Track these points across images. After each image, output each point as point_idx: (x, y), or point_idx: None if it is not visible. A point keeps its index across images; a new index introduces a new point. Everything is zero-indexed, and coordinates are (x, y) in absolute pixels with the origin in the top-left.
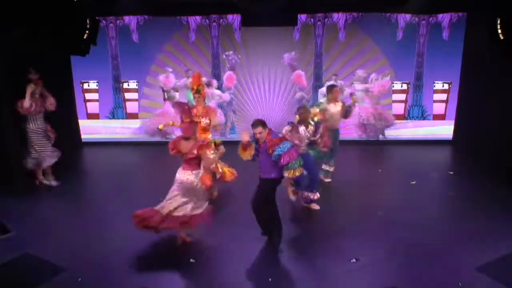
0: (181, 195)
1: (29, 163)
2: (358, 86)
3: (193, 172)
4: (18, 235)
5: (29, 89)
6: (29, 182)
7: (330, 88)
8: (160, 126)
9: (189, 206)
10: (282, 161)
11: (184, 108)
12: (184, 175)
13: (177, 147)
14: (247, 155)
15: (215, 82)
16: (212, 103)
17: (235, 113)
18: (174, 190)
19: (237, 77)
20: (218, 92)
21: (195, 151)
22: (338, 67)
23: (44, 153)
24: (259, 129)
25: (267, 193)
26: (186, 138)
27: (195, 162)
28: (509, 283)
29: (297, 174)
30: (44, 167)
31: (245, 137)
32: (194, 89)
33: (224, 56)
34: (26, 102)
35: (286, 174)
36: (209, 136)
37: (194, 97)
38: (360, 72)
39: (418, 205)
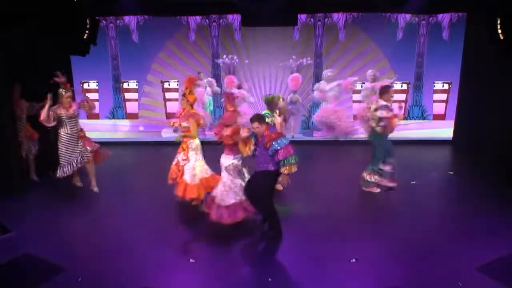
0: (232, 178)
1: (59, 172)
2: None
3: (235, 156)
4: (18, 235)
5: (49, 101)
6: (28, 182)
7: (387, 89)
8: (171, 123)
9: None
10: (279, 156)
11: (229, 98)
12: (227, 160)
13: (220, 133)
14: (247, 150)
15: (245, 85)
16: (243, 106)
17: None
18: (223, 177)
19: (237, 79)
20: (248, 95)
21: (231, 141)
22: (338, 67)
23: (71, 158)
24: (256, 124)
25: (265, 187)
26: (227, 125)
27: (236, 147)
28: (509, 283)
29: (293, 170)
30: (75, 171)
31: (245, 133)
32: (183, 91)
33: (220, 62)
34: (43, 115)
35: (283, 171)
36: (192, 140)
37: (182, 99)
38: (329, 72)
39: (418, 205)
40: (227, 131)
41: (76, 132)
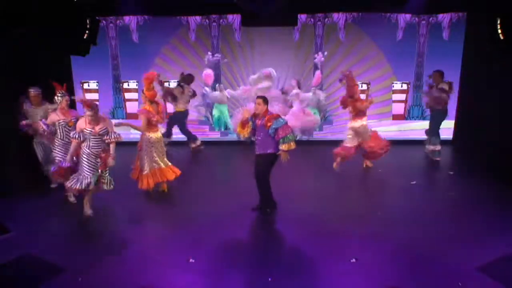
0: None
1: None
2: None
3: (362, 119)
4: (18, 235)
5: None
6: (28, 182)
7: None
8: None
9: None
10: (278, 134)
11: (348, 76)
12: (356, 124)
13: (345, 103)
14: (245, 132)
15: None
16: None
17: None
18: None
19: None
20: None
21: (362, 107)
22: (338, 68)
23: (84, 176)
24: (260, 100)
25: (264, 168)
26: (352, 97)
27: (362, 114)
28: (509, 283)
29: (292, 147)
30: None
31: (246, 114)
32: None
33: (206, 57)
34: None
35: (282, 147)
36: (151, 133)
37: (142, 95)
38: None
39: (418, 205)
40: (355, 103)
41: (97, 151)
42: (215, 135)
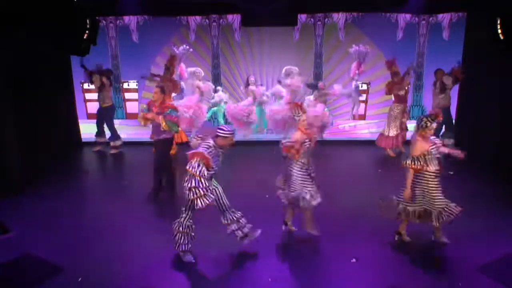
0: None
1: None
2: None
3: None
4: (18, 235)
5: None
6: (28, 181)
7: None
8: None
9: None
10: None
11: (391, 63)
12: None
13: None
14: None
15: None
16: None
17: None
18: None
19: (186, 67)
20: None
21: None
22: (337, 67)
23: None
24: (157, 89)
25: (160, 153)
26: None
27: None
28: (509, 283)
29: (167, 129)
30: None
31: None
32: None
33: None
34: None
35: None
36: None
37: None
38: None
39: None
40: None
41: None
42: None
